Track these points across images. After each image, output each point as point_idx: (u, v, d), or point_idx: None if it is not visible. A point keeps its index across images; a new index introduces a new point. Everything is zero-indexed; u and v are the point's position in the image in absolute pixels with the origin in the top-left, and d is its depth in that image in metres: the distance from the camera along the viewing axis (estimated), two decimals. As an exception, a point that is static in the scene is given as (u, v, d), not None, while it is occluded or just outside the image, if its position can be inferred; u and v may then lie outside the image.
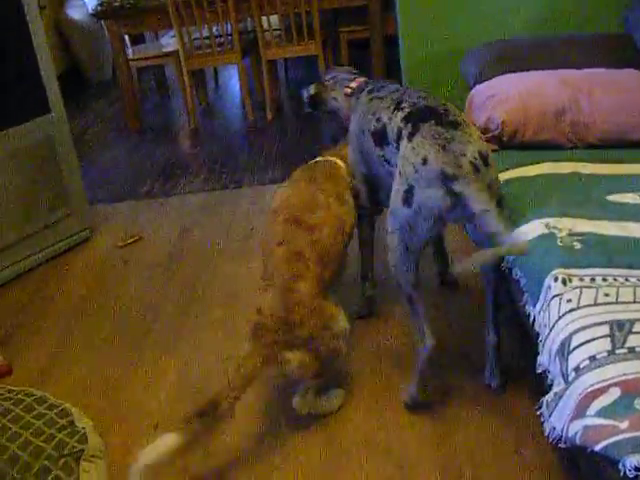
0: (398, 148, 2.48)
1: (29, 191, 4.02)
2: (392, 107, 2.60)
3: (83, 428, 2.61)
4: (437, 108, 2.46)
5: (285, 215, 2.71)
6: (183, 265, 3.96)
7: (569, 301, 2.05)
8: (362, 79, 3.07)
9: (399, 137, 2.49)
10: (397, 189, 2.42)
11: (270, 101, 6.29)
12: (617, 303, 2.00)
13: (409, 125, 2.44)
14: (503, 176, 2.84)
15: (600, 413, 1.65)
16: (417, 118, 2.44)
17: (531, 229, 2.45)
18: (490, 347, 2.66)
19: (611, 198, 2.61)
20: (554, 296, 2.11)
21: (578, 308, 2.01)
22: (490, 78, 3.46)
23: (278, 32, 6.29)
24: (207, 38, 6.21)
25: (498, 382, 2.68)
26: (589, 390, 1.73)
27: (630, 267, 2.17)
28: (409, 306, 2.57)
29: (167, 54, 6.63)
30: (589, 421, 1.65)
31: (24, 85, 3.96)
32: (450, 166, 2.25)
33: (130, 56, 6.61)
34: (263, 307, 2.52)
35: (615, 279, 2.12)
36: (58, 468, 2.41)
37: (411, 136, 2.40)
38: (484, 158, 2.32)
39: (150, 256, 4.10)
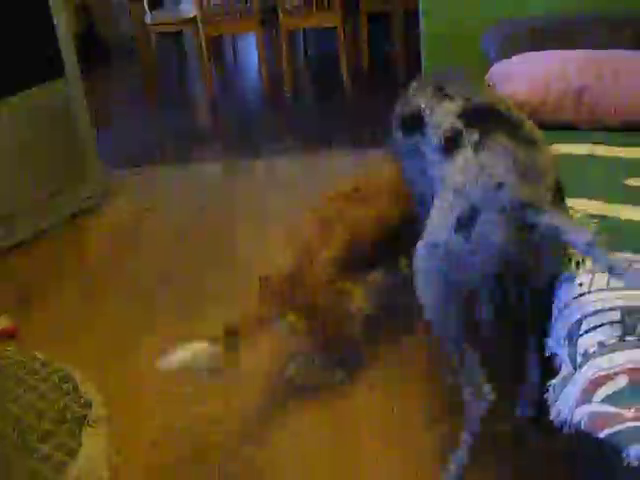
0: (445, 151, 2.02)
1: (44, 154, 4.02)
2: (430, 89, 2.20)
3: (87, 394, 2.61)
4: (503, 112, 2.03)
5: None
6: (197, 233, 3.94)
7: (581, 285, 2.01)
8: None
9: (454, 139, 2.00)
10: (443, 209, 1.93)
11: (288, 74, 6.24)
12: (630, 289, 1.97)
13: (473, 131, 1.96)
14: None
15: (607, 400, 1.62)
16: (482, 121, 1.98)
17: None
18: None
19: (629, 182, 2.56)
20: (566, 279, 2.07)
21: (589, 292, 1.98)
22: (511, 56, 3.40)
23: (298, 1, 6.22)
24: (226, 4, 6.15)
25: None
26: (596, 376, 1.70)
27: (646, 253, 2.14)
28: (457, 358, 2.11)
29: (186, 20, 6.57)
30: (595, 407, 1.62)
31: (40, 47, 3.95)
32: (530, 196, 1.82)
33: (148, 21, 6.56)
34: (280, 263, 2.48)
35: (630, 264, 2.08)
36: (61, 432, 2.42)
37: (478, 147, 1.91)
38: (560, 188, 1.95)
39: (164, 223, 4.09)
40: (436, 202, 1.97)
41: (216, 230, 3.98)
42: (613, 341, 1.78)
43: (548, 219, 1.80)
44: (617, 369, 1.69)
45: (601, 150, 2.81)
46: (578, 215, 2.34)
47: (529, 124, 2.02)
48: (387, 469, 2.38)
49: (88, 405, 2.55)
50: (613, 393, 1.63)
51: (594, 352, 1.77)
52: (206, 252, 3.77)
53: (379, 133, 3.13)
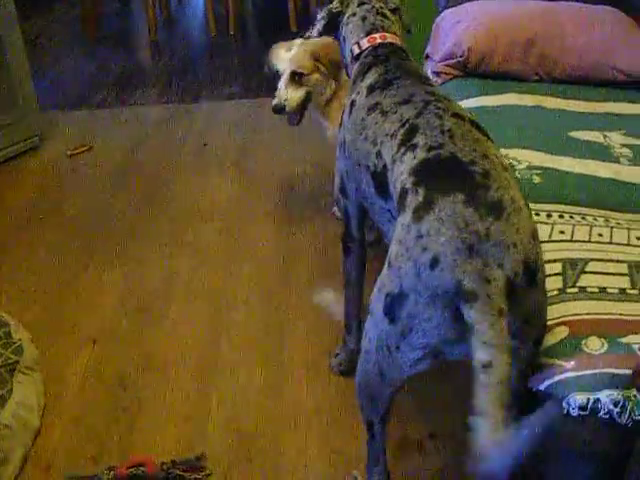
0: (398, 213, 1.58)
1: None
2: (399, 137, 1.70)
3: (19, 340, 2.55)
4: (472, 165, 1.51)
5: None
6: (134, 178, 3.85)
7: (523, 236, 2.00)
8: (380, 39, 2.11)
9: (402, 201, 1.57)
10: (381, 287, 1.57)
11: (233, 15, 6.10)
12: (572, 241, 1.96)
13: (420, 191, 1.51)
14: (466, 104, 2.77)
15: (546, 352, 1.62)
16: (434, 180, 1.52)
17: (490, 160, 2.38)
18: None
19: (574, 134, 2.56)
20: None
21: (531, 243, 1.97)
22: (460, 3, 3.36)
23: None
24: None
25: None
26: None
27: (588, 206, 2.14)
28: (367, 431, 1.90)
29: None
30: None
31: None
32: (473, 279, 1.38)
33: (91, -42, 6.33)
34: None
35: (572, 216, 2.08)
36: (-10, 379, 2.36)
37: (420, 213, 1.48)
38: (531, 273, 1.45)
39: (100, 167, 3.98)
40: (379, 278, 1.59)
41: (153, 171, 3.88)
42: (554, 292, 1.77)
43: (474, 313, 1.36)
44: (557, 320, 1.68)
45: (548, 102, 2.80)
46: (521, 167, 2.32)
47: (501, 175, 1.51)
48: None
49: (20, 351, 2.50)
50: (553, 344, 1.63)
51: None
52: (143, 192, 3.69)
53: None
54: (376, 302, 1.57)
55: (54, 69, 5.54)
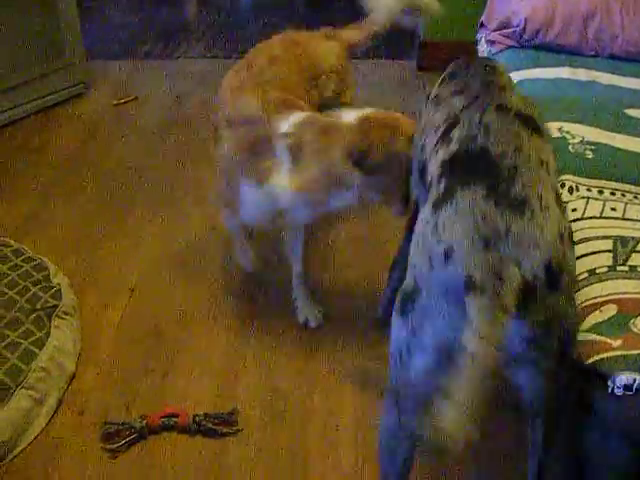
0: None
1: (25, 38, 3.85)
2: (441, 130, 1.65)
3: (58, 284, 2.57)
4: (501, 159, 1.45)
5: None
6: (177, 131, 3.84)
7: (574, 210, 1.97)
8: None
9: (428, 195, 1.56)
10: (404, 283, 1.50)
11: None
12: (623, 219, 1.93)
13: (442, 183, 1.48)
14: (519, 75, 2.72)
15: (594, 329, 1.59)
16: (458, 173, 1.47)
17: (543, 131, 2.34)
18: None
19: (629, 112, 2.50)
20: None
21: (582, 219, 1.94)
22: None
23: None
24: None
25: None
26: (585, 304, 1.67)
27: (641, 184, 2.09)
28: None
29: None
30: (582, 336, 1.59)
31: None
32: (485, 273, 1.31)
33: None
34: None
35: (624, 194, 2.04)
36: (29, 321, 2.39)
37: (439, 204, 1.43)
38: (553, 276, 1.35)
39: (144, 118, 3.98)
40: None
41: (197, 124, 3.86)
42: (604, 270, 1.74)
43: (472, 309, 1.28)
44: (606, 298, 1.66)
45: (604, 77, 2.74)
46: (575, 141, 2.28)
47: (534, 178, 1.43)
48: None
49: (59, 296, 2.52)
50: (601, 322, 1.60)
51: (584, 279, 1.74)
52: (186, 145, 3.69)
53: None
54: (394, 305, 1.51)
55: (102, 19, 5.53)
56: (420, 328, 1.40)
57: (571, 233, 1.46)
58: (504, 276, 1.30)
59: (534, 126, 1.59)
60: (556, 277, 1.35)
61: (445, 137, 1.59)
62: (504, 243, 1.32)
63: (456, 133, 1.56)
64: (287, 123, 2.16)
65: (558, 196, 1.47)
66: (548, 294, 1.35)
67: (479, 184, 1.39)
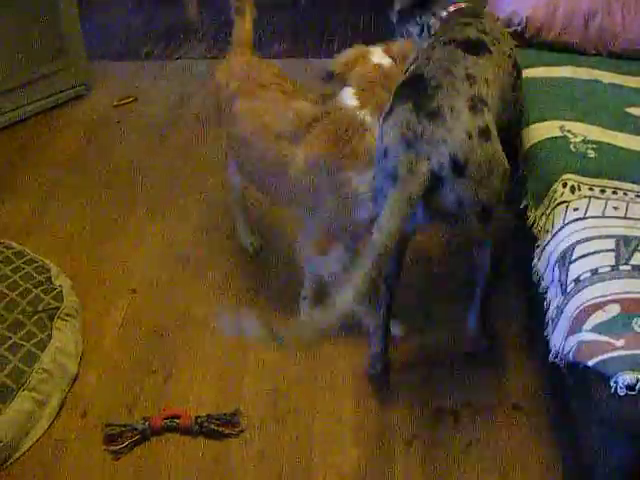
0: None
1: (27, 39, 3.85)
2: (406, 68, 2.13)
3: (60, 286, 2.57)
4: (430, 80, 1.91)
5: None
6: (178, 131, 3.84)
7: (576, 210, 1.97)
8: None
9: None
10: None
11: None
12: (626, 218, 1.92)
13: (390, 103, 1.96)
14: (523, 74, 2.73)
15: (596, 329, 1.59)
16: (399, 94, 1.95)
17: (545, 129, 2.34)
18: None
19: (631, 110, 2.50)
20: (560, 202, 2.03)
21: (585, 218, 1.93)
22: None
23: None
24: None
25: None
26: (587, 304, 1.66)
27: (643, 183, 2.09)
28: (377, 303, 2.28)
29: None
30: (584, 336, 1.59)
31: None
32: (404, 167, 1.81)
33: None
34: None
35: (626, 193, 2.04)
36: (31, 323, 2.39)
37: (385, 117, 1.94)
38: (458, 166, 1.80)
39: (145, 119, 3.97)
40: None
41: (197, 125, 3.86)
42: (606, 269, 1.74)
43: (388, 196, 1.82)
44: (609, 297, 1.65)
45: (606, 76, 2.73)
46: (577, 140, 2.28)
47: (452, 94, 1.86)
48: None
49: (60, 298, 2.52)
50: (603, 322, 1.60)
51: (586, 279, 1.74)
52: (186, 145, 3.69)
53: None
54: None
55: (103, 20, 5.52)
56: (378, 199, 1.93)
57: (486, 130, 1.84)
58: (415, 169, 1.80)
59: (478, 49, 2.04)
60: (461, 166, 1.80)
61: (406, 72, 2.07)
62: (420, 143, 1.81)
63: (412, 67, 2.04)
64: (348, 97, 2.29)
65: (478, 103, 1.87)
66: (456, 180, 1.81)
67: (409, 101, 1.87)
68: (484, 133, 1.83)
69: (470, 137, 1.80)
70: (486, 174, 1.83)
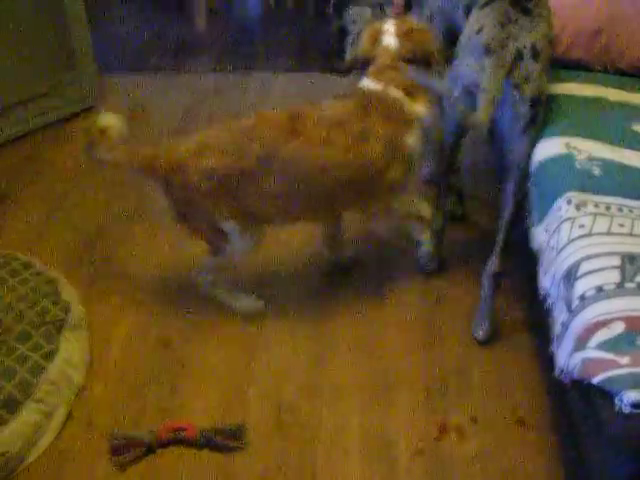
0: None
1: (35, 50, 3.87)
2: None
3: (67, 297, 2.58)
4: None
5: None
6: (185, 143, 3.85)
7: (581, 226, 1.98)
8: None
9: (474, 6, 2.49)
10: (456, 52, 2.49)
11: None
12: (631, 235, 1.93)
13: None
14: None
15: (601, 346, 1.60)
16: None
17: (550, 146, 2.35)
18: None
19: (636, 128, 2.50)
20: (566, 219, 2.03)
21: (590, 235, 1.94)
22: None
23: None
24: None
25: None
26: (592, 322, 1.67)
27: (649, 200, 2.10)
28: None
29: None
30: (589, 353, 1.60)
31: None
32: (496, 42, 2.27)
33: None
34: None
35: (631, 211, 2.05)
36: (39, 334, 2.39)
37: (484, 5, 2.39)
38: (535, 51, 2.32)
39: (153, 131, 3.98)
40: None
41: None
42: (611, 287, 1.75)
43: (488, 62, 2.27)
44: (614, 315, 1.66)
45: (612, 93, 2.74)
46: (582, 157, 2.28)
47: (543, 3, 2.41)
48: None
49: (67, 309, 2.53)
50: (608, 339, 1.61)
51: (591, 296, 1.74)
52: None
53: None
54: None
55: (111, 31, 5.55)
56: (459, 77, 2.37)
57: (551, 40, 2.43)
58: (506, 45, 2.27)
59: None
60: (537, 52, 2.31)
61: None
62: (512, 27, 2.29)
63: None
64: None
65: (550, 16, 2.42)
66: (531, 62, 2.30)
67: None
68: (550, 41, 2.42)
69: (545, 37, 2.36)
70: (546, 68, 2.38)
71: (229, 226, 2.49)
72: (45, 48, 3.91)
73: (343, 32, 3.28)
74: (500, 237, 2.49)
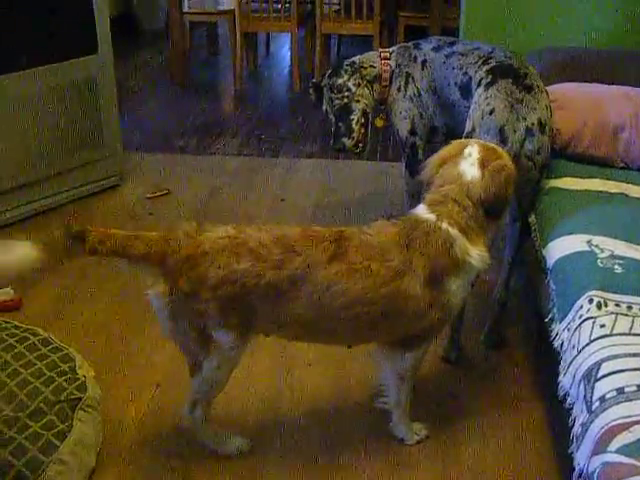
0: (476, 91, 2.75)
1: (66, 128, 3.98)
2: (479, 62, 2.85)
3: (84, 376, 2.57)
4: (519, 69, 2.72)
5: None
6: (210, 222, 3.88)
7: (602, 326, 1.97)
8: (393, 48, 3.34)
9: (478, 85, 2.74)
10: (465, 130, 2.66)
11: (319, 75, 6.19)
12: (654, 337, 1.91)
13: (489, 76, 2.71)
14: (550, 184, 2.77)
15: (622, 450, 1.57)
16: (499, 73, 2.69)
17: (571, 243, 2.37)
18: (496, 305, 2.87)
19: (659, 226, 2.51)
20: (587, 318, 2.03)
21: (611, 335, 1.93)
22: (551, 83, 3.34)
23: (337, 7, 6.21)
24: (266, 2, 6.12)
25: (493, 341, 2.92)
26: (612, 424, 1.64)
27: (671, 301, 2.08)
28: None
29: (223, 12, 6.54)
30: (609, 457, 1.57)
31: (75, 21, 3.93)
32: (509, 125, 2.54)
33: (185, 9, 6.53)
34: None
35: (653, 311, 2.03)
36: (53, 412, 2.38)
37: (488, 86, 2.66)
38: (542, 126, 2.59)
39: (176, 212, 4.04)
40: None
41: (229, 221, 3.84)
42: (632, 389, 1.72)
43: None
44: (634, 419, 1.63)
45: (634, 190, 2.76)
46: (604, 255, 2.28)
47: (535, 77, 2.74)
48: None
49: (84, 388, 2.51)
50: (629, 443, 1.58)
51: (611, 398, 1.72)
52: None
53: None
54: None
55: (139, 112, 5.69)
56: None
57: (551, 106, 2.73)
58: (516, 129, 2.56)
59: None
60: (544, 127, 2.61)
61: (485, 62, 2.82)
62: (519, 106, 2.58)
63: (492, 60, 2.81)
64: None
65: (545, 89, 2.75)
66: (540, 134, 2.59)
67: (509, 78, 2.66)
68: (551, 112, 2.72)
69: (548, 109, 2.68)
70: (551, 136, 2.70)
71: (223, 336, 2.23)
72: (76, 126, 4.03)
73: (326, 112, 3.39)
74: (505, 270, 2.83)
